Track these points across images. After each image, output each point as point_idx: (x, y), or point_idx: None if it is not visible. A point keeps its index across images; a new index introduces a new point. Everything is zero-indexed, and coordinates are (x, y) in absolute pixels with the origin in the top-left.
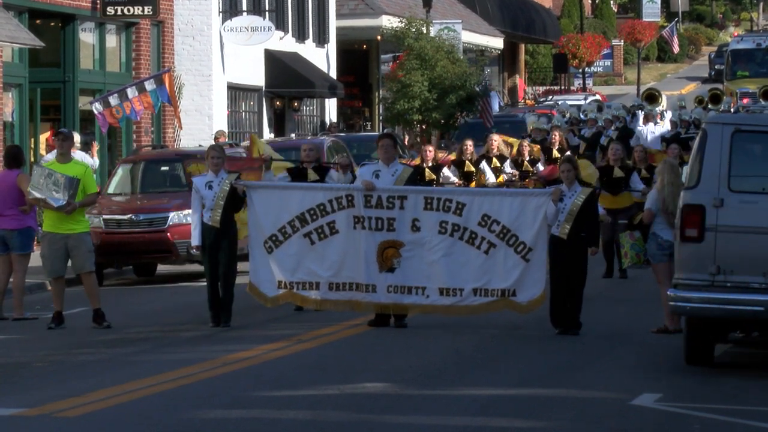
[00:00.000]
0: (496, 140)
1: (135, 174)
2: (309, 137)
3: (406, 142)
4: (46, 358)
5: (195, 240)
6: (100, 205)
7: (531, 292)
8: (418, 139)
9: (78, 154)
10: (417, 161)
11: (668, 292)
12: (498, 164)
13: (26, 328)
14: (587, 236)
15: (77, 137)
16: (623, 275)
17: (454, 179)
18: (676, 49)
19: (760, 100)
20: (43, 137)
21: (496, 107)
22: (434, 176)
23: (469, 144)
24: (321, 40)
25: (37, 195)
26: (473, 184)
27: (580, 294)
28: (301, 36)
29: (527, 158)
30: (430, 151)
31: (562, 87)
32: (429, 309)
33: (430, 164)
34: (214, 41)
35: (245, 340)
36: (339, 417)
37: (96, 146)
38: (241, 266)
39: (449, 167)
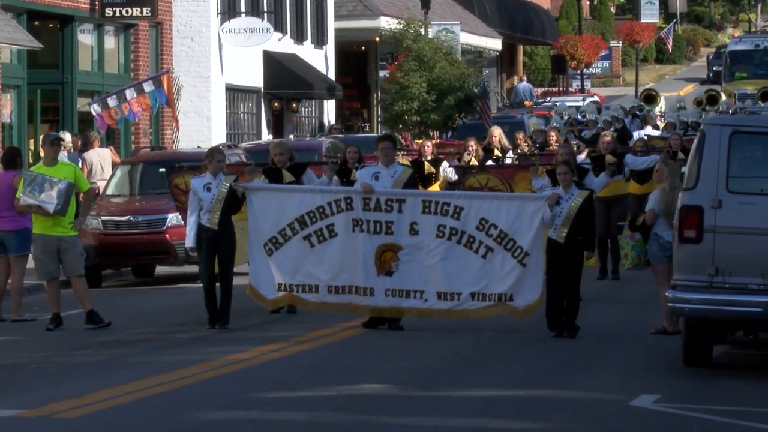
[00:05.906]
0: (498, 133)
1: (133, 175)
2: (307, 138)
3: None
4: (44, 360)
5: (189, 241)
6: (98, 207)
7: (528, 297)
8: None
9: (70, 157)
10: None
11: (667, 294)
12: (500, 155)
13: (25, 330)
14: (584, 240)
15: (68, 137)
16: (616, 277)
17: (453, 177)
18: (669, 48)
19: (759, 101)
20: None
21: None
22: (433, 169)
23: (429, 144)
24: (319, 41)
25: (30, 201)
26: (435, 186)
27: (576, 297)
28: (299, 37)
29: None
30: (428, 146)
31: (561, 88)
32: (427, 313)
33: (429, 158)
34: (212, 43)
35: (243, 342)
36: (337, 418)
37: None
38: (240, 268)
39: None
